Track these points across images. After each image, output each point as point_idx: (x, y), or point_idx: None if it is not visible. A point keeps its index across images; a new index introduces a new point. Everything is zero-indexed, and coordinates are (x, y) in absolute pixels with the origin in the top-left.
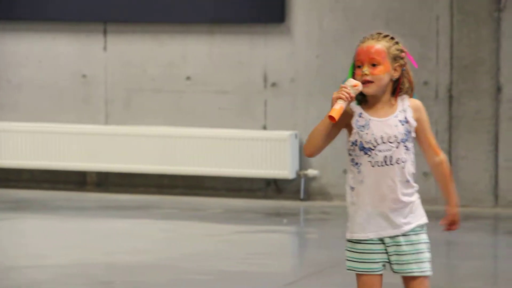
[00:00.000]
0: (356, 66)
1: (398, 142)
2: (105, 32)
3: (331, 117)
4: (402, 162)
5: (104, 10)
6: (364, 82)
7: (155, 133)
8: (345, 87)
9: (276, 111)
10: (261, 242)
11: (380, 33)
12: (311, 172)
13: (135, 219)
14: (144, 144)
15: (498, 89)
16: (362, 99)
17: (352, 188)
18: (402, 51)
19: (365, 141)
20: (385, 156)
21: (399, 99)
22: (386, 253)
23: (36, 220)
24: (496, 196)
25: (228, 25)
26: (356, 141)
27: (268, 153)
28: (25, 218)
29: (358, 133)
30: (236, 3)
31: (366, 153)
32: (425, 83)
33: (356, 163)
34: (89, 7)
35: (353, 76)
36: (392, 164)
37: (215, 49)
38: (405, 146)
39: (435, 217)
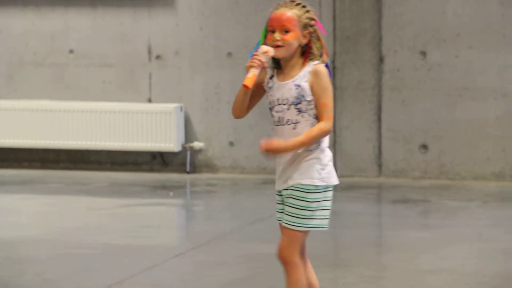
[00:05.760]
0: (268, 31)
1: (289, 105)
2: None
3: (245, 86)
4: (293, 123)
5: None
6: (275, 47)
7: (38, 107)
8: (257, 55)
9: (161, 84)
10: (148, 215)
11: (293, 1)
12: (196, 144)
13: (19, 194)
14: (28, 119)
15: (380, 59)
16: (276, 66)
17: None
18: (312, 19)
19: (269, 102)
20: (279, 117)
21: (307, 64)
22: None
23: None
24: (379, 166)
25: None
26: (268, 101)
27: (154, 126)
28: None
29: (267, 94)
30: None
31: (270, 113)
32: None
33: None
34: None
35: (265, 40)
36: (283, 125)
37: (98, 22)
38: (297, 109)
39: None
